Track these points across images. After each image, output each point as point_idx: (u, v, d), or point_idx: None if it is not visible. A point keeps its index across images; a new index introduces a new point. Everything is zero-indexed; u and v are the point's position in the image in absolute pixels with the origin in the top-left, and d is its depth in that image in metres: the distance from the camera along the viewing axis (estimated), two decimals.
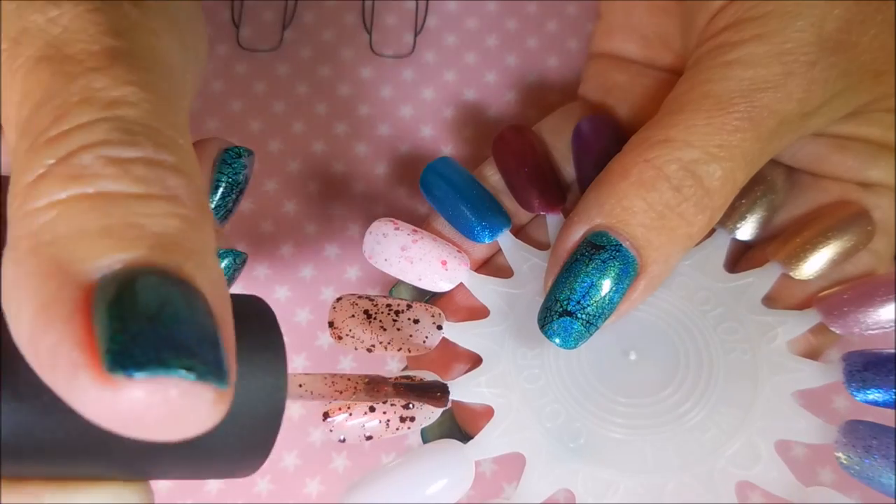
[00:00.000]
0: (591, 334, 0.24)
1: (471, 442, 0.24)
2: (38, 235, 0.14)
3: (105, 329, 0.13)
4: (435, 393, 0.23)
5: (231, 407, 0.14)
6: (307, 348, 0.31)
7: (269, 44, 0.37)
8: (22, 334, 0.14)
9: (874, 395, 0.23)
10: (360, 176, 0.34)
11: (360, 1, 0.37)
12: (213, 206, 0.24)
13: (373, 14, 0.37)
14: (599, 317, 0.23)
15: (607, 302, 0.23)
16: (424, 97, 0.36)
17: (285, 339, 0.18)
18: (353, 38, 0.37)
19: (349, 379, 0.20)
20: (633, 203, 0.23)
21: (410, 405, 0.24)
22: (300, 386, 0.19)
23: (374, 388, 0.20)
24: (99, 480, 0.16)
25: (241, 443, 0.17)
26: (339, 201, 0.34)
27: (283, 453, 0.30)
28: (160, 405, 0.13)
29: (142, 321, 0.13)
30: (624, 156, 0.24)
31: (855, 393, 0.23)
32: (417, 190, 0.34)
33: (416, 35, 0.37)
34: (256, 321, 0.17)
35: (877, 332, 0.24)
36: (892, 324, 0.24)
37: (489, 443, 0.24)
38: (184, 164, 0.16)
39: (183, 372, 0.13)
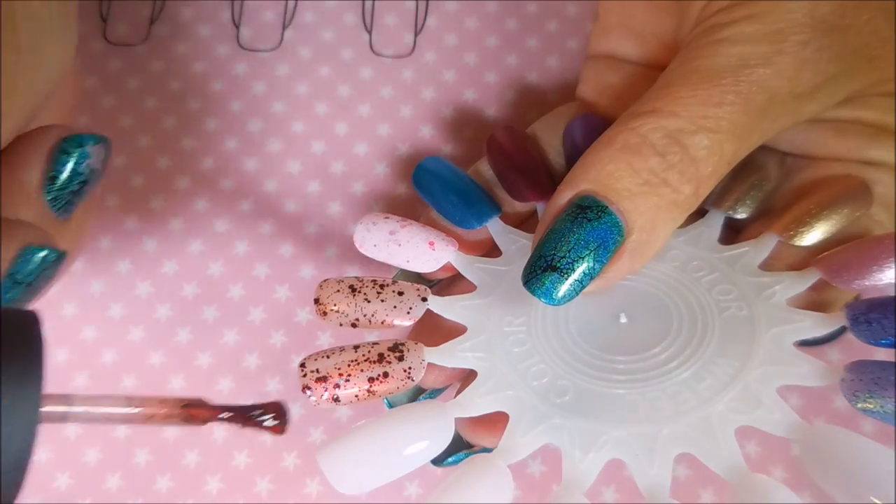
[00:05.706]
0: (576, 292, 0.23)
1: (453, 401, 0.24)
2: None
3: None
4: (268, 416, 0.20)
5: None
6: (308, 348, 0.31)
7: (269, 44, 0.37)
8: None
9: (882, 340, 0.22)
10: (360, 176, 0.34)
11: (360, 1, 0.37)
12: (48, 197, 0.23)
13: (373, 14, 0.37)
14: (586, 275, 0.23)
15: (593, 260, 0.23)
16: (424, 97, 0.36)
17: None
18: (353, 38, 0.37)
19: (162, 402, 0.18)
20: (618, 168, 0.23)
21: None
22: (87, 409, 0.17)
23: (190, 411, 0.18)
24: None
25: None
26: (339, 201, 0.34)
27: (283, 453, 0.30)
28: None
29: None
30: (610, 129, 0.25)
31: (862, 338, 0.23)
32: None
33: (416, 35, 0.37)
34: (15, 341, 0.16)
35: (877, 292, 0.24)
36: (894, 285, 0.24)
37: (472, 401, 0.24)
38: None
39: None
